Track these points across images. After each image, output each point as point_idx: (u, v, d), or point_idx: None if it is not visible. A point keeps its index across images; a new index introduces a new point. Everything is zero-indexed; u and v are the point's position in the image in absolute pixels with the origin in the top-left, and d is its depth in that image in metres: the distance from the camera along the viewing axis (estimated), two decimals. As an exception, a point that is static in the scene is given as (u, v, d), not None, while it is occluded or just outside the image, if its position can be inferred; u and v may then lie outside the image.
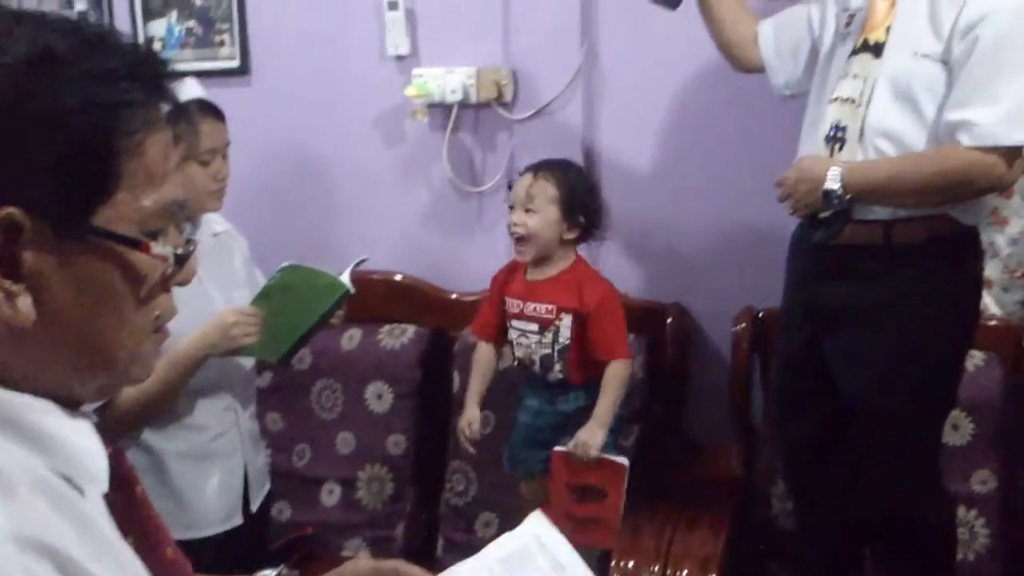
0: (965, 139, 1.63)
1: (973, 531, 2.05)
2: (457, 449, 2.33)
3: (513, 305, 2.10)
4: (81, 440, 0.68)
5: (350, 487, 2.44)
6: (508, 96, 2.37)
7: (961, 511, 2.03)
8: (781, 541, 2.20)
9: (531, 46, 2.34)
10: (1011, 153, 1.64)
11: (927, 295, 1.75)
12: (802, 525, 2.08)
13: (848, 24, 1.82)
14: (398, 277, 2.53)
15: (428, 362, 2.43)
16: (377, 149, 2.56)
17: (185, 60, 2.66)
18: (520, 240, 2.04)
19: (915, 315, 1.75)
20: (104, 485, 0.69)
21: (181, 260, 0.71)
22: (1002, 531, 2.06)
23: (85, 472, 0.67)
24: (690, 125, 2.30)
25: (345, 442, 2.45)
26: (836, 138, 1.76)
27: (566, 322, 2.03)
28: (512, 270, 2.15)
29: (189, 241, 0.72)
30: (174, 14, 2.69)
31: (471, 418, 2.11)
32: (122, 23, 2.72)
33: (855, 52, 1.77)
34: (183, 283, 0.73)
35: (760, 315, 2.21)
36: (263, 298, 1.79)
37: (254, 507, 1.90)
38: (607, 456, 1.99)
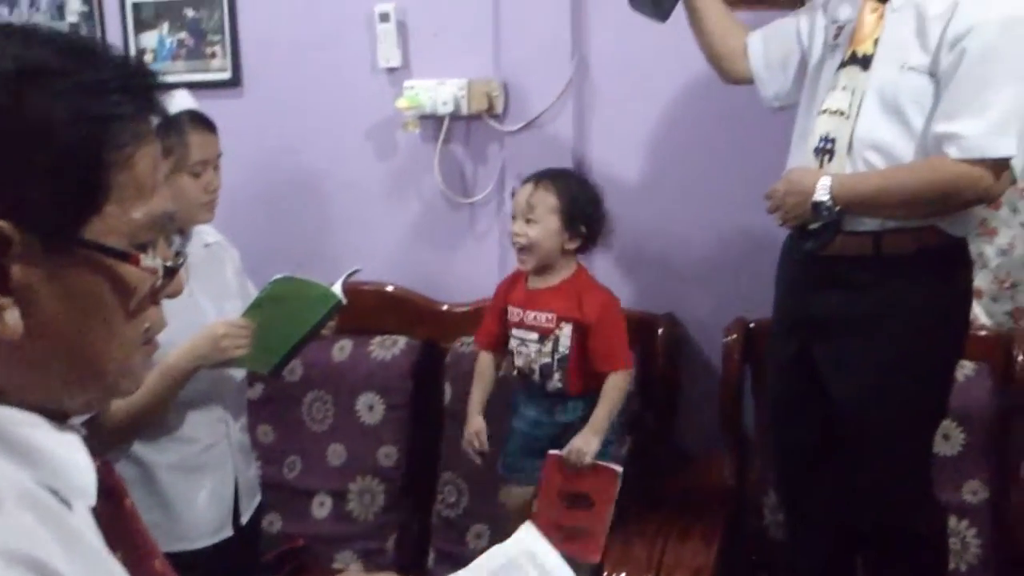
0: (952, 151, 1.64)
1: (965, 541, 2.06)
2: (449, 461, 2.33)
3: (514, 314, 2.10)
4: (69, 453, 0.68)
5: (341, 499, 2.43)
6: (499, 108, 2.37)
7: (952, 521, 2.03)
8: (773, 551, 2.20)
9: (522, 58, 2.34)
10: (998, 165, 1.65)
11: (917, 306, 1.76)
12: (794, 535, 2.09)
13: (837, 36, 1.83)
14: (389, 288, 2.53)
15: (419, 373, 2.43)
16: (369, 161, 2.56)
17: (177, 72, 2.66)
18: (522, 250, 2.05)
19: (905, 326, 1.76)
20: (92, 498, 0.69)
21: (170, 272, 0.71)
22: (993, 541, 2.06)
23: (73, 485, 0.67)
24: (680, 137, 2.31)
25: (336, 454, 2.45)
26: (825, 150, 1.77)
27: (566, 331, 2.03)
28: (515, 279, 2.15)
29: (179, 254, 0.72)
30: (166, 26, 2.69)
31: (477, 428, 2.11)
32: (114, 34, 2.72)
33: (844, 64, 1.78)
34: (172, 296, 0.73)
35: (751, 325, 2.22)
36: (255, 309, 1.79)
37: (244, 519, 1.90)
38: (600, 462, 1.99)
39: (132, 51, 2.69)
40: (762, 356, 2.15)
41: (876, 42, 1.74)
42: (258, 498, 1.98)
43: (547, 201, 2.03)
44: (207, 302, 1.82)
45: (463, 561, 1.03)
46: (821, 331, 1.83)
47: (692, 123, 2.29)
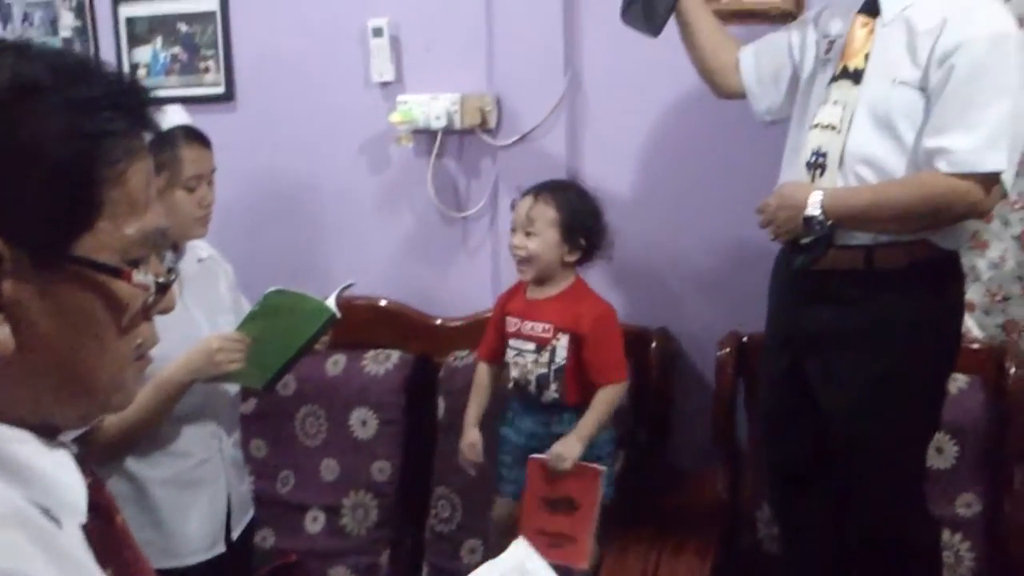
0: (943, 166, 1.65)
1: (958, 555, 2.06)
2: (442, 475, 2.32)
3: (512, 324, 2.10)
4: (59, 471, 0.67)
5: (334, 514, 2.42)
6: (492, 122, 2.38)
7: (946, 535, 2.03)
8: (767, 566, 2.20)
9: (515, 73, 2.35)
10: (988, 179, 1.66)
11: (909, 320, 1.76)
12: (788, 550, 2.08)
13: (828, 51, 1.84)
14: (383, 302, 2.53)
15: (413, 388, 2.43)
16: (362, 175, 2.57)
17: (170, 86, 2.67)
18: (521, 261, 2.05)
19: (898, 339, 1.76)
20: (82, 516, 0.69)
21: (163, 289, 0.71)
22: (987, 554, 2.06)
23: (63, 503, 0.67)
24: (673, 151, 2.31)
25: (329, 468, 2.44)
26: (817, 164, 1.78)
27: (563, 342, 2.03)
28: (515, 290, 2.15)
29: (171, 270, 0.73)
30: (159, 41, 2.70)
31: (473, 440, 2.11)
32: (107, 49, 2.73)
33: (835, 79, 1.79)
34: (164, 312, 0.73)
35: (745, 339, 2.22)
36: (249, 323, 1.79)
37: (235, 535, 1.89)
38: (582, 462, 1.98)
39: (125, 66, 2.70)
40: (755, 370, 2.15)
41: (867, 57, 1.75)
42: (251, 513, 1.98)
43: (547, 214, 2.03)
44: (201, 317, 1.82)
45: (457, 576, 1.03)
46: (813, 345, 1.83)
47: (684, 137, 2.29)
